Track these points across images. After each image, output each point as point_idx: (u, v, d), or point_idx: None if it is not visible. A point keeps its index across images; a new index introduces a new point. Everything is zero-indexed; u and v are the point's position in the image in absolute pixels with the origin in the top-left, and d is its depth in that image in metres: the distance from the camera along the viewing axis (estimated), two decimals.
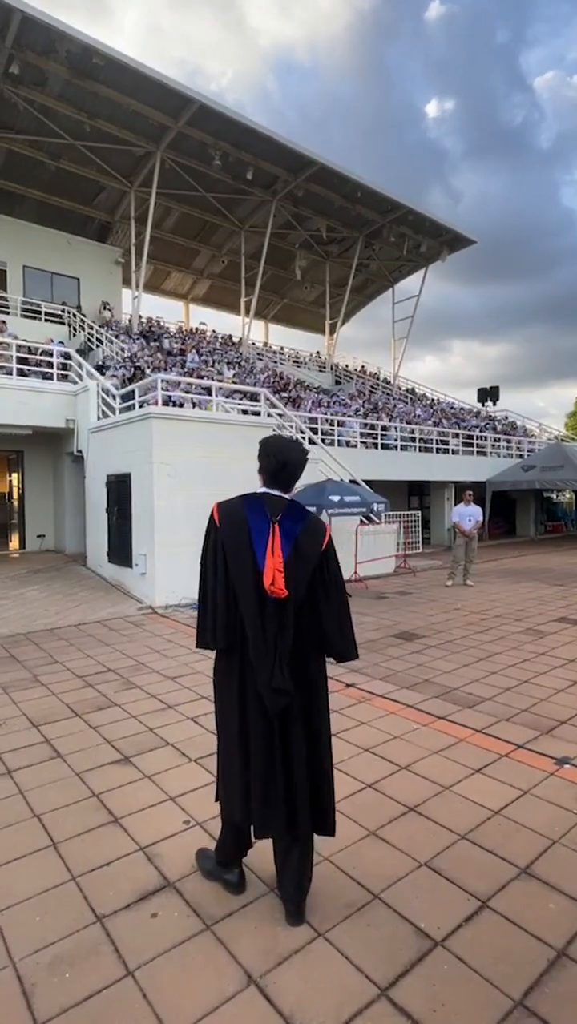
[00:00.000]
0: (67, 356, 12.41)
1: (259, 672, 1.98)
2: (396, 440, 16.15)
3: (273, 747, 2.00)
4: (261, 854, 2.45)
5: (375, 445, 15.43)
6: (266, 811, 1.98)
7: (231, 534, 2.07)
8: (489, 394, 28.13)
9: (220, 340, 23.20)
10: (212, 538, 2.11)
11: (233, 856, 2.23)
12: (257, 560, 2.01)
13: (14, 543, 13.96)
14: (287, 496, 2.20)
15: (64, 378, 11.99)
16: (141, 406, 9.41)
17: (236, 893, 2.21)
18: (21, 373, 11.51)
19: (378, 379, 26.94)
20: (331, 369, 25.73)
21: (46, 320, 16.76)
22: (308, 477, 9.42)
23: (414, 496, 18.79)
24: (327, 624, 2.14)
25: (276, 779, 1.99)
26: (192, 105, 15.28)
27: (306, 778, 2.05)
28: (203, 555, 2.15)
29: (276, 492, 2.17)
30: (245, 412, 11.32)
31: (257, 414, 10.91)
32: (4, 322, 14.42)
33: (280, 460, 2.15)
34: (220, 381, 14.12)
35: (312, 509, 9.46)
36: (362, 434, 15.40)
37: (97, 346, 15.67)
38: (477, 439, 19.53)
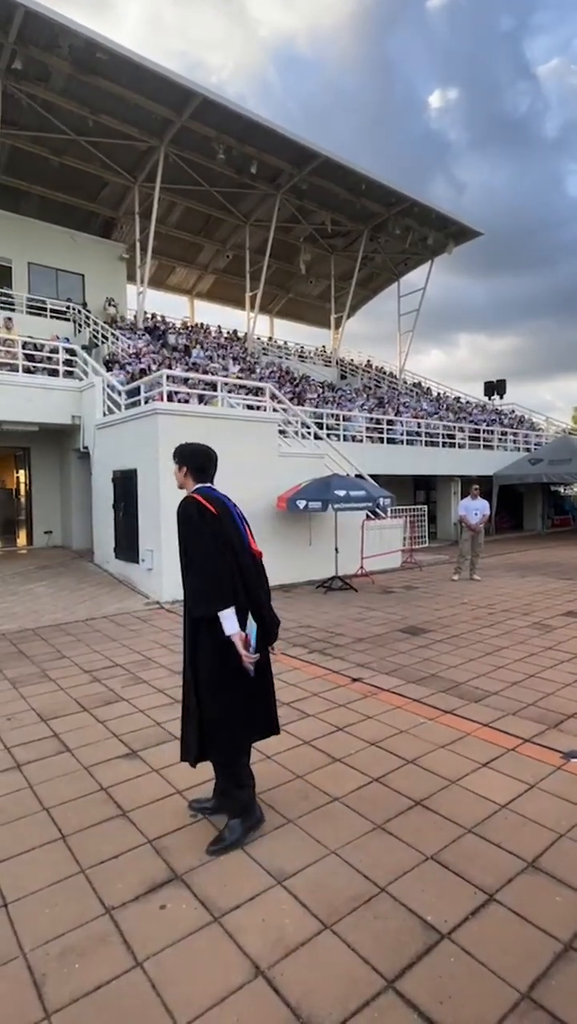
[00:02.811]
0: (72, 352, 12.44)
1: (267, 614, 2.56)
2: (402, 434, 16.08)
3: (265, 670, 2.59)
4: (265, 849, 2.47)
5: (381, 439, 15.38)
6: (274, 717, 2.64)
7: (228, 520, 2.52)
8: (495, 388, 27.93)
9: (225, 335, 23.17)
10: (213, 526, 2.47)
11: (253, 790, 2.61)
12: (244, 536, 2.56)
13: (21, 539, 14.04)
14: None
15: (70, 375, 12.01)
16: (147, 402, 9.43)
17: (261, 824, 2.60)
18: (27, 370, 11.54)
19: (384, 373, 26.82)
20: (336, 364, 25.62)
21: (51, 317, 16.78)
22: (314, 472, 9.42)
23: (420, 490, 18.72)
24: None
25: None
26: (195, 99, 15.21)
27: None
28: (207, 540, 2.45)
29: (213, 485, 2.66)
30: (250, 407, 11.30)
31: (263, 409, 10.90)
32: (11, 319, 14.45)
33: (212, 458, 2.69)
34: (225, 377, 14.11)
35: (318, 504, 9.38)
36: (368, 428, 15.35)
37: (102, 342, 15.68)
38: (484, 433, 19.43)
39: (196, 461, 2.66)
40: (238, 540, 2.51)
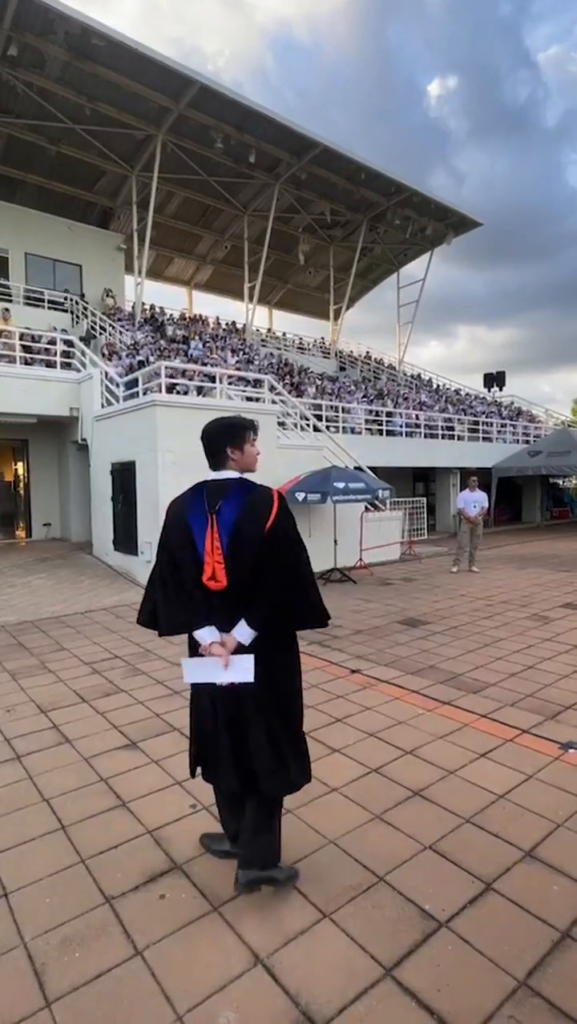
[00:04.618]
0: (70, 344, 12.37)
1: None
2: (401, 426, 16.04)
3: (232, 724, 2.08)
4: None
5: (380, 431, 15.35)
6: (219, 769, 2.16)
7: (174, 530, 2.11)
8: (495, 379, 27.88)
9: (223, 327, 23.04)
10: (162, 537, 2.17)
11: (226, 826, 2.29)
12: (198, 554, 2.03)
13: (20, 531, 14.02)
14: (233, 475, 2.14)
15: (68, 366, 11.94)
16: (145, 394, 9.38)
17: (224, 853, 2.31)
18: (25, 362, 11.48)
19: (383, 365, 26.73)
20: (335, 355, 25.52)
21: (49, 308, 16.67)
22: (313, 464, 9.40)
23: (419, 482, 18.71)
24: (287, 597, 2.06)
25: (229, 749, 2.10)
26: (193, 86, 15.03)
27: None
28: (158, 552, 2.19)
29: (220, 476, 2.14)
30: (249, 399, 11.26)
31: (262, 401, 10.86)
32: (7, 310, 14.36)
33: (209, 440, 2.14)
34: (224, 368, 14.04)
35: (317, 496, 9.32)
36: (367, 420, 15.31)
37: (100, 334, 15.59)
38: (483, 425, 19.40)
39: (203, 447, 2.18)
40: (187, 559, 2.06)
